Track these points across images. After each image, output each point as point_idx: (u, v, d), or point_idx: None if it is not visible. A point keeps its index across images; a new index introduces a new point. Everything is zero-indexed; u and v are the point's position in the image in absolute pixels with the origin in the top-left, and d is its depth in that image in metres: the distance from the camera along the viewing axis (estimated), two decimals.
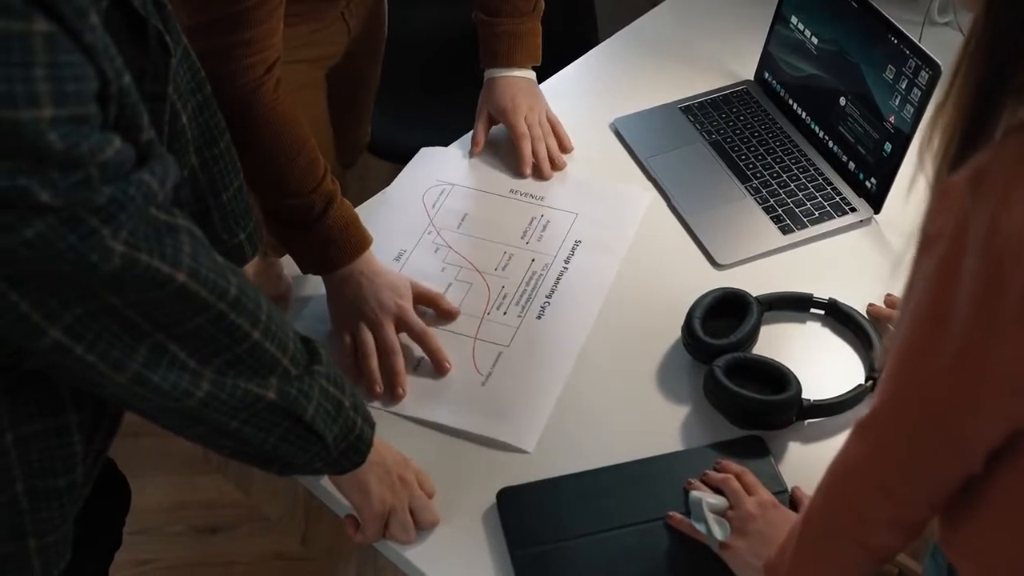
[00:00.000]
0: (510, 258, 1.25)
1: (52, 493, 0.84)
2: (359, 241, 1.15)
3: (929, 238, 0.65)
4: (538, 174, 1.36)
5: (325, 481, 1.02)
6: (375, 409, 1.08)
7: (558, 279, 1.23)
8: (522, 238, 1.28)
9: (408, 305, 1.14)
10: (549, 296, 1.20)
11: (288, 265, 1.26)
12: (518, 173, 1.36)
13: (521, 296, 1.21)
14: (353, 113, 1.61)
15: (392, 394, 1.10)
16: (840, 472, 0.78)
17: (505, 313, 1.19)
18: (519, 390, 1.10)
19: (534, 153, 1.36)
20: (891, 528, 0.76)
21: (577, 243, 1.27)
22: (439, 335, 1.14)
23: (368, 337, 1.12)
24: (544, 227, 1.29)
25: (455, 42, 1.85)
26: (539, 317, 1.18)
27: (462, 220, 1.30)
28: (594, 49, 1.60)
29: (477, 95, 1.44)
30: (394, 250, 1.26)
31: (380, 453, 0.95)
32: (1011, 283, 0.61)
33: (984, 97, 0.63)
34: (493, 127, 1.42)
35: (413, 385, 1.10)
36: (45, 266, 0.66)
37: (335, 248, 1.13)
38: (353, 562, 1.81)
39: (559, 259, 1.25)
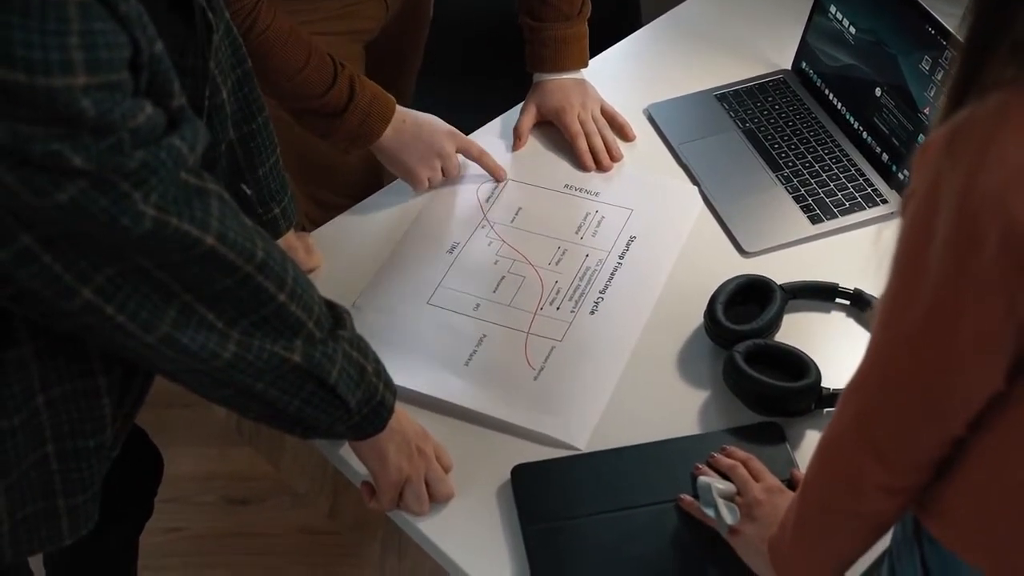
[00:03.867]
0: (564, 253, 1.25)
1: (81, 454, 0.87)
2: (388, 101, 1.27)
3: (907, 195, 0.66)
4: (599, 166, 1.36)
5: (344, 451, 1.04)
6: (423, 394, 1.09)
7: (612, 275, 1.22)
8: (576, 233, 1.28)
9: (453, 129, 1.31)
10: (603, 292, 1.20)
11: (319, 239, 1.28)
12: (580, 169, 1.36)
13: (575, 291, 1.20)
14: (392, 94, 1.63)
15: (499, 176, 1.34)
16: (831, 439, 0.78)
17: (558, 308, 1.19)
18: (571, 386, 1.10)
19: (591, 148, 1.37)
20: (884, 494, 0.75)
21: (632, 239, 1.26)
22: (491, 329, 1.16)
23: (439, 171, 1.30)
24: (599, 222, 1.29)
25: (498, 24, 1.86)
26: (592, 313, 1.18)
27: (516, 214, 1.31)
28: (633, 34, 1.60)
29: (519, 79, 1.45)
30: (447, 243, 1.27)
31: (400, 422, 0.97)
32: (987, 242, 0.61)
33: (973, 55, 0.63)
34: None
35: (465, 376, 1.11)
36: (78, 228, 0.68)
37: (371, 119, 1.25)
38: (378, 537, 1.83)
39: (613, 255, 1.25)
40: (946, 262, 0.63)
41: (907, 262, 0.66)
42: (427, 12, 1.59)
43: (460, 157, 1.33)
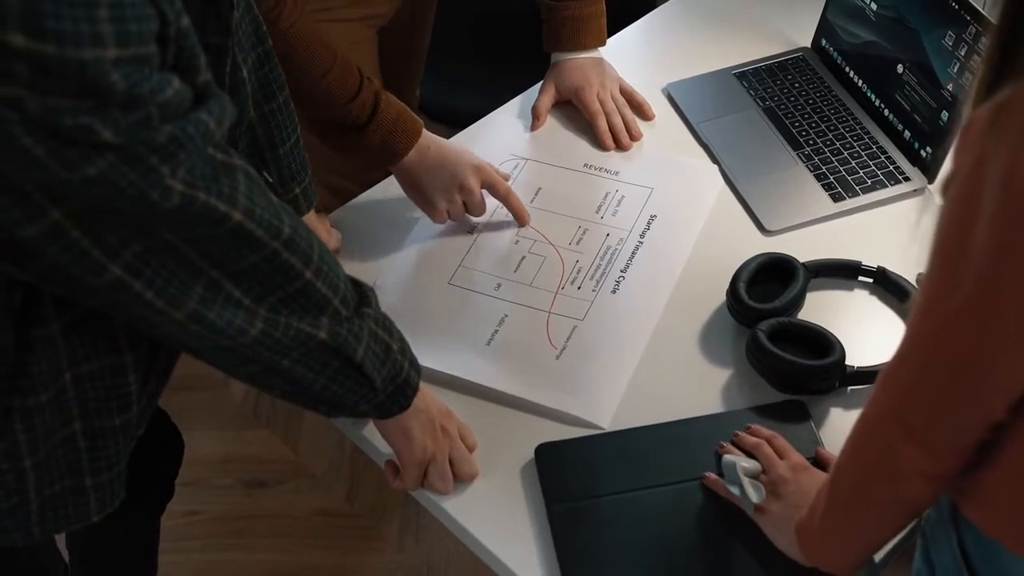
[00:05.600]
0: (584, 232, 1.25)
1: (108, 432, 0.87)
2: (413, 124, 1.21)
3: (950, 176, 0.65)
4: (619, 146, 1.36)
5: (367, 431, 1.04)
6: (445, 374, 1.09)
7: (633, 254, 1.22)
8: (597, 212, 1.27)
9: (485, 164, 1.23)
10: (624, 271, 1.20)
11: (336, 222, 1.28)
12: (600, 148, 1.36)
13: (596, 270, 1.20)
14: (401, 79, 1.62)
15: (523, 221, 1.25)
16: (866, 423, 0.78)
17: (579, 287, 1.18)
18: (594, 365, 1.10)
19: (611, 128, 1.36)
20: (922, 480, 0.75)
21: (652, 218, 1.26)
22: (513, 308, 1.16)
23: (459, 206, 1.23)
24: (619, 202, 1.28)
25: (509, 5, 1.85)
26: (614, 292, 1.18)
27: (536, 194, 1.30)
28: (652, 12, 1.59)
29: (530, 59, 1.44)
30: (468, 223, 1.26)
31: (425, 401, 0.97)
32: None
33: (1011, 35, 0.62)
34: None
35: (487, 356, 1.11)
36: (106, 203, 0.68)
37: (395, 138, 1.19)
38: (396, 520, 1.84)
39: (634, 234, 1.24)
40: (991, 241, 0.62)
41: (950, 242, 0.66)
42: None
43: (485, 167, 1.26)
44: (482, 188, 1.23)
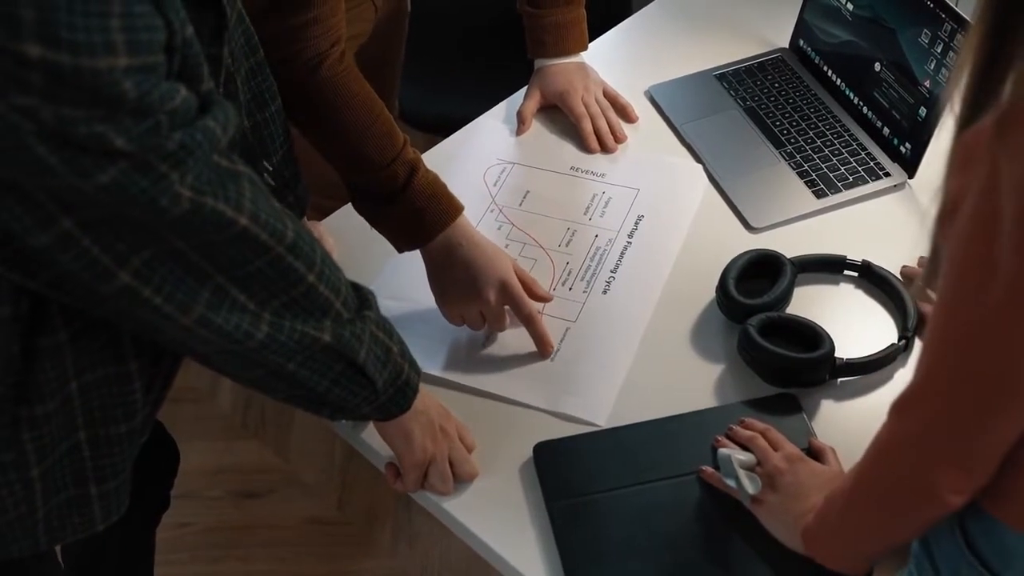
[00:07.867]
0: (573, 234, 1.26)
1: (113, 440, 0.88)
2: (449, 207, 1.11)
3: (957, 194, 0.65)
4: (604, 149, 1.37)
5: (365, 434, 1.05)
6: (442, 374, 1.11)
7: (622, 254, 1.23)
8: (585, 214, 1.29)
9: (515, 281, 1.10)
10: (614, 271, 1.22)
11: (333, 225, 1.28)
12: (585, 151, 1.37)
13: (586, 272, 1.22)
14: (380, 91, 1.63)
15: (546, 351, 1.11)
16: (890, 451, 0.77)
17: (571, 289, 1.20)
18: (588, 364, 1.12)
19: (596, 130, 1.38)
20: (958, 496, 0.75)
21: (640, 218, 1.28)
22: (506, 312, 1.15)
23: (475, 315, 1.12)
24: (606, 203, 1.30)
25: (483, 9, 1.87)
26: (605, 292, 1.19)
27: (524, 197, 1.31)
28: (631, 17, 1.61)
29: (507, 62, 1.46)
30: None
31: (424, 402, 0.98)
32: None
33: (992, 49, 0.63)
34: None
35: (483, 359, 1.13)
36: (117, 210, 0.69)
37: (426, 217, 1.10)
38: (388, 526, 1.85)
39: (622, 234, 1.26)
40: (1019, 252, 0.62)
41: (971, 256, 0.66)
42: (406, 10, 1.61)
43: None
44: (505, 305, 1.12)
